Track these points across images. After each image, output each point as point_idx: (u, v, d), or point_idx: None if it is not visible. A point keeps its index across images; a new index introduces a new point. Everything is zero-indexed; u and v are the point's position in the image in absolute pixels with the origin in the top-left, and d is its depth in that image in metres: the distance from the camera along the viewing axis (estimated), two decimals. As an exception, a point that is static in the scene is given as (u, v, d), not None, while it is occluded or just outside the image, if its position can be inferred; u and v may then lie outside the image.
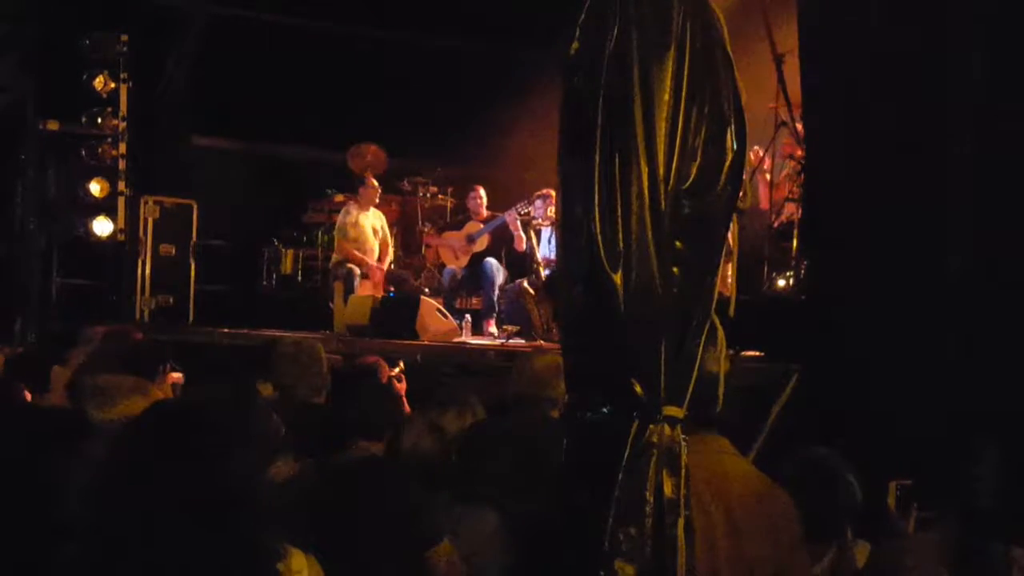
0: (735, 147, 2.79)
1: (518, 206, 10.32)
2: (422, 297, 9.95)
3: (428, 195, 12.45)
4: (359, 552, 3.03)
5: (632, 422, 2.66)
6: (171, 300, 11.53)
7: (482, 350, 8.82)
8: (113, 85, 11.25)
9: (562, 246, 2.93)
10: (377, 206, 11.20)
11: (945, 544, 3.32)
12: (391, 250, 11.37)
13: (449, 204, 12.54)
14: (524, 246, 10.20)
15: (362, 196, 11.06)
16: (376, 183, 11.17)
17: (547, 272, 9.89)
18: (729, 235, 2.92)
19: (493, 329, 9.98)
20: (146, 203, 11.50)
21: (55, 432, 3.79)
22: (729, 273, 6.21)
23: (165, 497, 2.21)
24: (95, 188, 11.29)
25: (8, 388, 5.48)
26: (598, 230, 2.69)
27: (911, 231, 5.55)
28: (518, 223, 10.27)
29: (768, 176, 9.16)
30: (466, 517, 3.57)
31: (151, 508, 2.21)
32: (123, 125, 11.34)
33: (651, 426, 2.66)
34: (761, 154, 8.85)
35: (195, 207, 11.86)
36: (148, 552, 2.19)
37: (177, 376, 5.99)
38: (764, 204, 9.08)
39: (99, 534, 2.27)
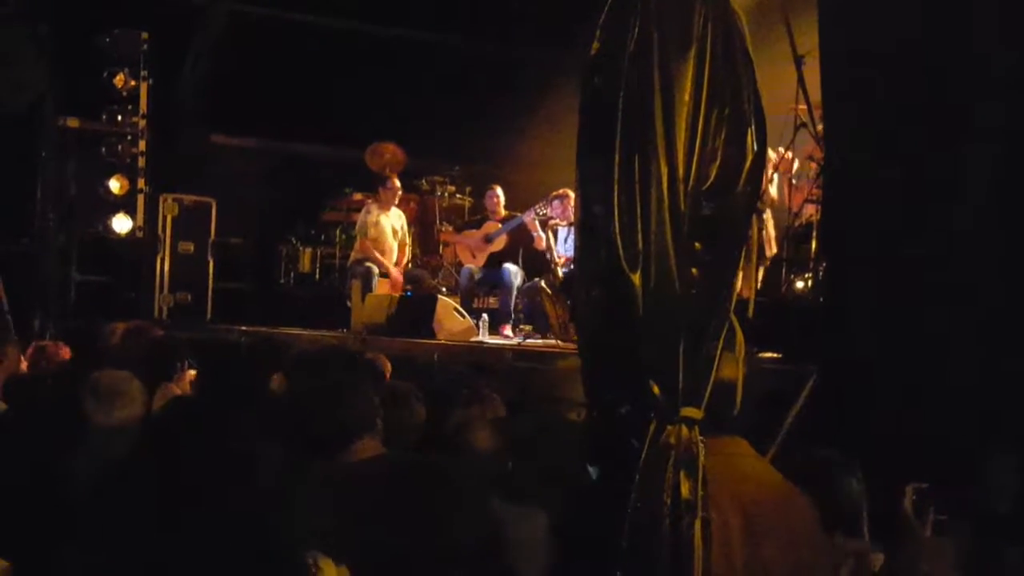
0: (755, 148, 2.78)
1: (536, 207, 10.32)
2: (439, 296, 9.95)
3: (446, 194, 12.45)
4: (416, 558, 2.91)
5: (649, 423, 2.65)
6: (189, 297, 11.58)
7: (499, 349, 8.82)
8: (133, 83, 11.31)
9: (580, 246, 2.93)
10: (397, 205, 11.21)
11: (961, 548, 3.30)
12: (408, 250, 11.37)
13: (467, 203, 12.54)
14: (544, 245, 10.20)
15: (383, 196, 11.06)
16: (398, 183, 11.16)
17: (564, 271, 9.89)
18: (753, 237, 2.91)
19: (509, 332, 9.99)
20: (165, 200, 11.55)
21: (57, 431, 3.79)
22: (755, 275, 6.18)
23: (186, 502, 2.13)
24: (114, 185, 11.34)
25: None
26: (617, 230, 2.68)
27: (931, 233, 5.52)
28: (537, 224, 10.27)
29: (793, 180, 9.14)
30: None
31: (169, 514, 2.13)
32: (143, 123, 11.39)
33: (668, 427, 2.65)
34: (784, 154, 8.83)
35: (214, 205, 11.90)
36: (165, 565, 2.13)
37: (195, 374, 5.99)
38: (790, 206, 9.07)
39: (111, 540, 2.20)
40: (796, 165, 9.09)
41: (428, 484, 2.99)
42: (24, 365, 6.10)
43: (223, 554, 2.10)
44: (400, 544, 2.73)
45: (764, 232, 8.73)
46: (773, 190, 9.13)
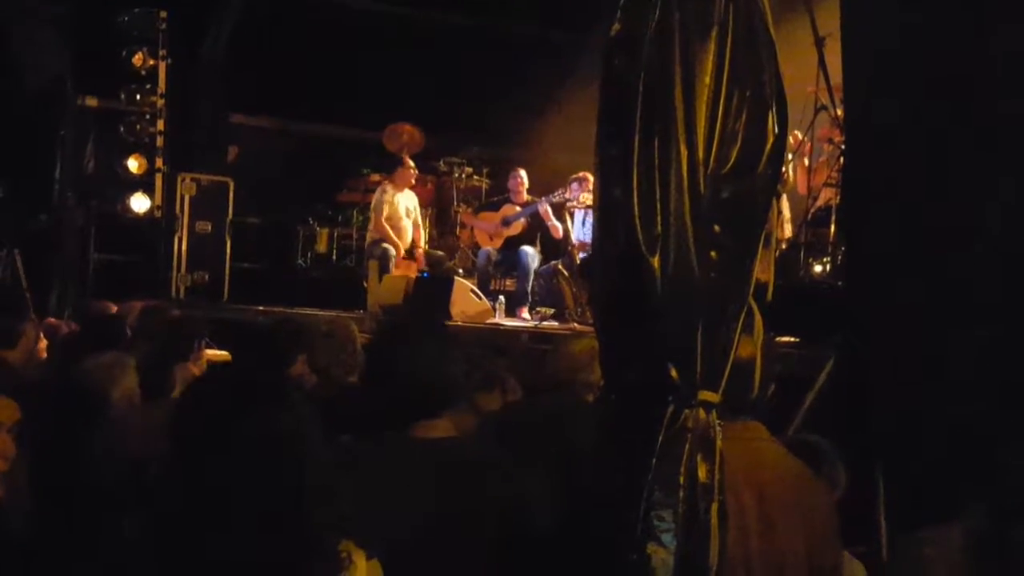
0: (776, 131, 2.76)
1: (553, 195, 10.30)
2: (456, 278, 9.95)
3: (463, 176, 12.44)
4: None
5: (667, 406, 2.64)
6: (206, 277, 11.61)
7: (516, 332, 8.81)
8: (152, 62, 11.31)
9: (599, 229, 2.91)
10: (412, 187, 11.21)
11: (970, 535, 3.27)
12: (423, 232, 11.37)
13: (484, 185, 12.52)
14: (560, 234, 10.19)
15: (398, 177, 11.05)
16: (412, 164, 11.16)
17: (582, 255, 9.87)
18: (772, 220, 2.89)
19: (526, 315, 9.98)
20: (183, 180, 11.56)
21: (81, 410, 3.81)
22: (773, 258, 6.15)
23: (218, 484, 2.01)
24: (133, 164, 11.36)
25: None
26: (636, 213, 2.67)
27: (952, 217, 5.48)
28: (550, 214, 10.26)
29: (807, 161, 9.09)
30: None
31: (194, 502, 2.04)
32: (161, 102, 11.40)
33: (686, 411, 2.64)
34: (801, 137, 8.78)
35: (231, 185, 11.91)
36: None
37: (213, 353, 6.01)
38: (802, 189, 9.03)
39: (140, 524, 2.13)
40: (807, 147, 9.03)
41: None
42: (42, 344, 6.11)
43: (256, 536, 2.00)
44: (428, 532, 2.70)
45: (781, 216, 8.70)
46: (790, 172, 9.09)
